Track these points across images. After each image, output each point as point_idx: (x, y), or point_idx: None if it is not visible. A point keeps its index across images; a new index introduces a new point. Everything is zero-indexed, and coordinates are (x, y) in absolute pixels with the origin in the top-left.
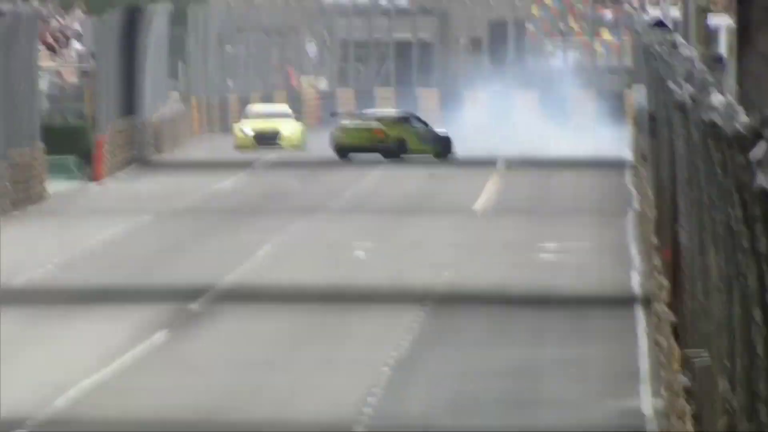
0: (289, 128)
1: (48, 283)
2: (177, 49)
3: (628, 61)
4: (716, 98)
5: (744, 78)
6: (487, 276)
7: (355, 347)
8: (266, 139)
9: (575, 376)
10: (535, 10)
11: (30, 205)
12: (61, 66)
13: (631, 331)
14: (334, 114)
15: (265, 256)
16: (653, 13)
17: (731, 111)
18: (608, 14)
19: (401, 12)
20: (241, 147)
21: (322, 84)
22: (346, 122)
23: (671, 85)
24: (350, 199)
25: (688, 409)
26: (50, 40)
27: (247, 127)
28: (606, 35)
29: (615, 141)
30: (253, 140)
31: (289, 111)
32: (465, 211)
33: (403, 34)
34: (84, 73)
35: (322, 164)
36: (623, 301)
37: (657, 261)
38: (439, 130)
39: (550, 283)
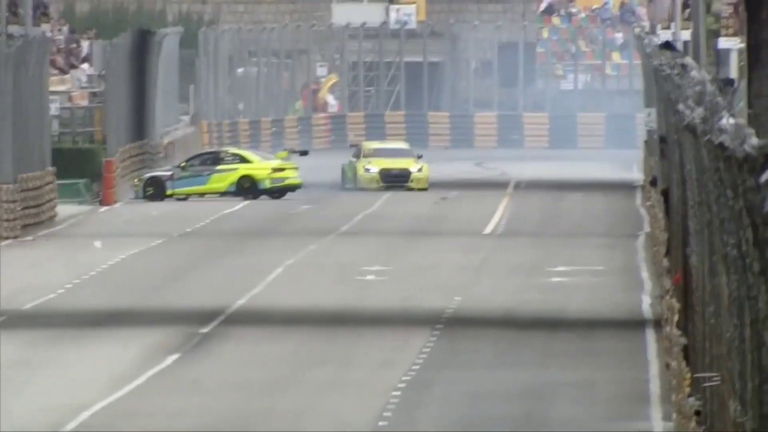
0: (417, 168)
1: (59, 307)
2: (187, 72)
3: (638, 83)
4: (727, 121)
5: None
6: (498, 298)
7: (365, 370)
8: (394, 179)
9: (585, 399)
10: (545, 33)
11: (41, 228)
12: (72, 89)
13: (642, 354)
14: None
15: (275, 280)
16: (664, 35)
17: (741, 134)
18: (619, 37)
19: (411, 35)
20: (365, 186)
21: (332, 107)
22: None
23: (682, 107)
24: (361, 221)
25: None
26: (61, 63)
27: (372, 166)
28: (616, 58)
29: (625, 163)
30: (378, 179)
31: (408, 148)
32: (476, 233)
33: (414, 57)
34: (94, 97)
35: (333, 187)
36: (634, 324)
37: (668, 283)
38: None
39: (561, 305)
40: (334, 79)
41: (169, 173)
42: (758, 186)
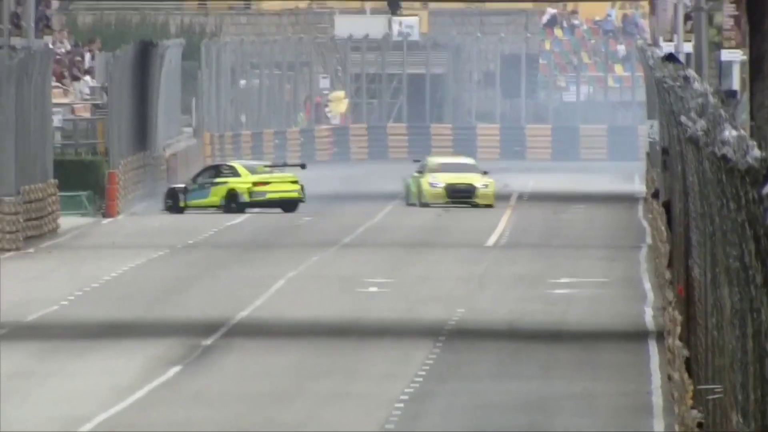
0: (483, 184)
1: (61, 319)
2: (190, 84)
3: (641, 95)
4: (729, 133)
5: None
6: (500, 310)
7: (368, 381)
8: (459, 194)
9: (587, 411)
10: (547, 45)
11: (43, 240)
12: (75, 102)
13: (644, 366)
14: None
15: (278, 291)
16: (666, 47)
17: (744, 145)
18: (621, 49)
19: (414, 47)
20: (430, 201)
21: (335, 119)
22: None
23: (684, 119)
24: (364, 233)
25: None
26: (64, 74)
27: (437, 180)
28: (619, 70)
29: (628, 175)
30: (444, 194)
31: (474, 163)
32: (478, 245)
33: (416, 69)
34: (97, 109)
35: (335, 199)
36: (636, 336)
37: (670, 295)
38: None
39: (563, 317)
40: (343, 100)
41: (183, 186)
42: (760, 198)
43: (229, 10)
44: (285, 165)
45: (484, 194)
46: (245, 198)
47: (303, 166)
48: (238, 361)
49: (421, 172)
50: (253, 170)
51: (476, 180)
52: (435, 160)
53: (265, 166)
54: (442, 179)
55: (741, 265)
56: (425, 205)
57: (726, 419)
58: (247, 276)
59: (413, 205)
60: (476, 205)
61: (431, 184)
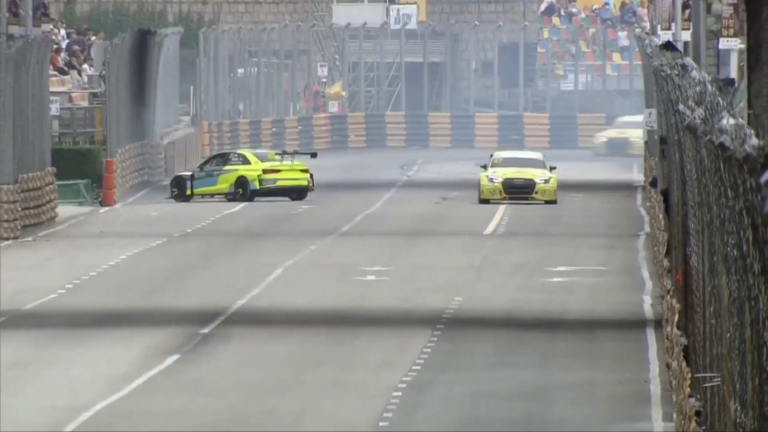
0: (543, 179)
1: (59, 307)
2: (188, 72)
3: (639, 84)
4: (727, 121)
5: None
6: (498, 299)
7: (366, 370)
8: (517, 189)
9: (585, 399)
10: (545, 33)
11: (41, 229)
12: (73, 89)
13: (642, 354)
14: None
15: (276, 280)
16: (664, 36)
17: (742, 134)
18: (619, 37)
19: (412, 35)
20: (487, 197)
21: (333, 107)
22: None
23: (682, 108)
24: (362, 222)
25: None
26: (61, 64)
27: (496, 175)
28: (617, 58)
29: (626, 164)
30: (501, 190)
31: (542, 158)
32: (476, 234)
33: (414, 58)
34: (94, 97)
35: (333, 188)
36: (634, 324)
37: (668, 284)
38: None
39: (561, 306)
40: (340, 90)
41: (190, 173)
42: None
43: None
44: (296, 153)
45: (543, 189)
46: (255, 185)
47: (314, 155)
48: (235, 349)
49: (485, 166)
50: (263, 158)
51: (537, 175)
52: (500, 154)
53: (276, 154)
54: (501, 174)
55: (739, 253)
56: (485, 201)
57: (724, 407)
58: (245, 264)
59: (484, 200)
60: (535, 201)
61: (490, 179)
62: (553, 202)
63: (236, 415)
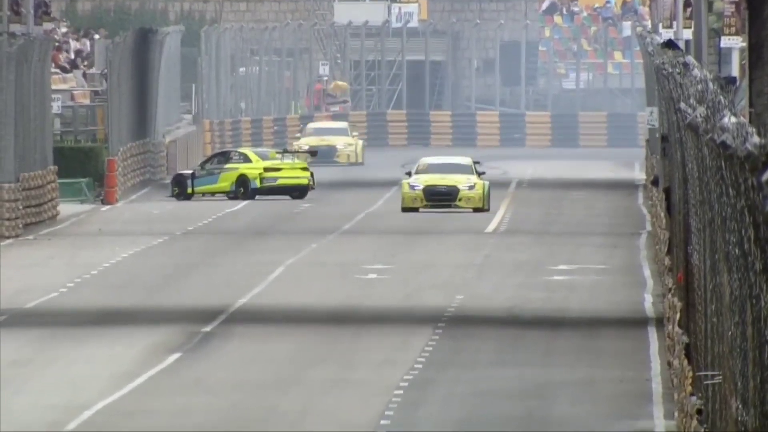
0: (468, 185)
1: (60, 305)
2: (189, 71)
3: (640, 82)
4: (728, 119)
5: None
6: (499, 297)
7: (367, 369)
8: (439, 196)
9: (587, 397)
10: (547, 31)
11: (43, 227)
12: (76, 87)
13: (644, 353)
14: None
15: (277, 278)
16: (666, 34)
17: (743, 132)
18: (623, 27)
19: (413, 33)
20: (408, 205)
21: (335, 107)
22: None
23: (683, 106)
24: (363, 220)
25: (701, 430)
26: (63, 62)
27: (418, 182)
28: (618, 56)
29: (627, 162)
30: (422, 197)
31: (470, 163)
32: (478, 232)
33: (416, 56)
34: (96, 95)
35: (334, 186)
36: (636, 323)
37: (670, 282)
38: None
39: (563, 304)
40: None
41: (191, 172)
42: (759, 185)
43: None
44: (297, 152)
45: (468, 196)
46: (256, 184)
47: (314, 153)
48: (237, 348)
49: (410, 173)
50: (264, 156)
51: (460, 181)
52: (426, 160)
53: (277, 153)
54: (423, 181)
55: (740, 251)
56: (407, 209)
57: (725, 406)
58: (247, 263)
59: (405, 210)
60: (459, 209)
61: (411, 187)
62: (482, 209)
63: (238, 413)
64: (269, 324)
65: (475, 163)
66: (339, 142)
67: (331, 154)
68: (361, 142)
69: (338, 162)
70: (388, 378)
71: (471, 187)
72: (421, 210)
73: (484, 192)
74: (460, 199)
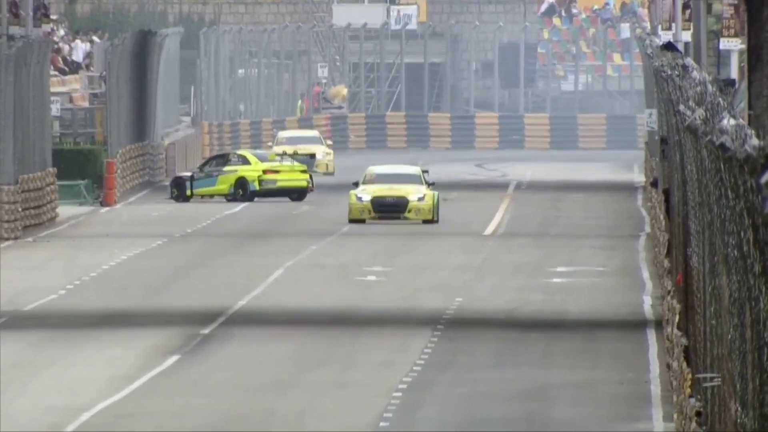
0: (418, 196)
1: (60, 308)
2: (188, 73)
3: (639, 84)
4: (727, 122)
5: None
6: (498, 299)
7: (366, 370)
8: (387, 208)
9: (586, 400)
10: (546, 33)
11: (42, 229)
12: (76, 90)
13: (643, 355)
14: None
15: (276, 280)
16: (665, 36)
17: (742, 134)
18: (622, 29)
19: (412, 35)
20: (356, 217)
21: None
22: None
23: (683, 108)
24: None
25: None
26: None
27: (365, 193)
28: (617, 59)
29: (626, 164)
30: (370, 209)
31: (419, 173)
32: (477, 234)
33: (414, 58)
34: (95, 98)
35: (333, 188)
36: (635, 325)
37: (669, 284)
38: None
39: (562, 306)
40: (343, 93)
41: (189, 174)
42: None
43: None
44: (296, 154)
45: (418, 208)
46: (255, 186)
47: (313, 156)
48: (236, 350)
49: (357, 183)
50: (263, 158)
51: (410, 192)
52: (373, 169)
53: (276, 155)
54: (371, 192)
55: (739, 253)
56: (354, 221)
57: (724, 408)
58: (246, 265)
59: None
60: (408, 221)
61: (358, 198)
62: (432, 221)
63: (237, 415)
64: (268, 326)
65: (424, 172)
66: (317, 151)
67: (309, 164)
68: (332, 152)
69: (317, 171)
70: (387, 380)
71: (421, 199)
72: (368, 222)
73: (434, 203)
74: (409, 211)
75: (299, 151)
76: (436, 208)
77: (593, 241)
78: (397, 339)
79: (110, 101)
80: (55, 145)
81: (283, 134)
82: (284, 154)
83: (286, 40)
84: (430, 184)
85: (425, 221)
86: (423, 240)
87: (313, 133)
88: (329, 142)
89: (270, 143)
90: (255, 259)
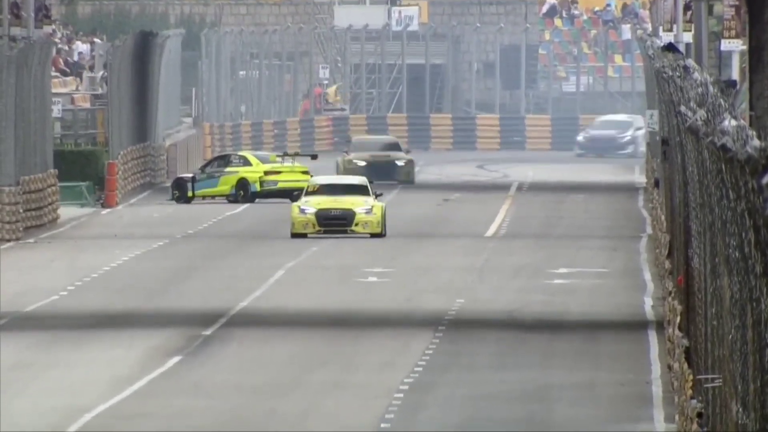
0: (365, 209)
1: (61, 309)
2: (190, 74)
3: (640, 85)
4: (729, 123)
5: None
6: (500, 300)
7: (367, 372)
8: (332, 221)
9: (587, 401)
10: (547, 35)
11: (43, 230)
12: (77, 91)
13: (644, 356)
14: None
15: (277, 282)
16: (666, 37)
17: (743, 135)
18: (623, 30)
19: (413, 37)
20: (299, 231)
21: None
22: None
23: (684, 109)
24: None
25: None
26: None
27: (309, 206)
28: (619, 60)
29: (627, 165)
30: (314, 222)
31: (365, 184)
32: (478, 235)
33: (416, 59)
34: (96, 99)
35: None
36: (636, 326)
37: (670, 285)
38: None
39: (563, 307)
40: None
41: (191, 175)
42: (760, 188)
43: (228, 1)
44: (297, 155)
45: (365, 221)
46: (256, 187)
47: (314, 157)
48: (237, 351)
49: (298, 195)
50: (264, 160)
51: (357, 204)
52: (317, 180)
53: (277, 156)
54: (314, 204)
55: (741, 255)
56: (297, 235)
57: (726, 409)
58: (247, 266)
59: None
60: (354, 233)
61: (301, 210)
62: (380, 235)
63: (238, 416)
64: (269, 327)
65: (370, 182)
66: (397, 158)
67: (391, 171)
68: (413, 159)
69: (397, 181)
70: (388, 381)
71: (368, 211)
72: (310, 236)
73: (382, 215)
74: (356, 224)
75: (376, 158)
76: (383, 220)
77: (594, 242)
78: (399, 340)
79: (111, 102)
80: (57, 147)
81: (359, 139)
82: (285, 154)
83: (288, 41)
84: (377, 195)
85: (373, 235)
86: (424, 241)
87: (391, 139)
88: (407, 148)
89: (346, 150)
90: (256, 261)
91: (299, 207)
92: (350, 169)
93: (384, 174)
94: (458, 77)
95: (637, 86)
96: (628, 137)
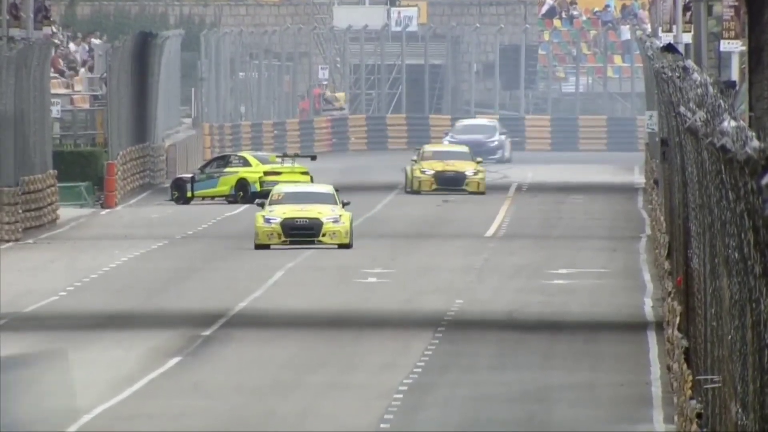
0: (332, 218)
1: (61, 309)
2: (189, 75)
3: (640, 86)
4: (728, 123)
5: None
6: (499, 301)
7: (367, 372)
8: (448, 181)
9: (587, 401)
10: (546, 35)
11: (42, 231)
12: (77, 92)
13: (644, 356)
14: None
15: (277, 282)
16: (665, 38)
17: (743, 136)
18: (622, 30)
19: (413, 37)
20: (263, 242)
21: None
22: None
23: (683, 110)
24: (363, 224)
25: None
26: (62, 66)
27: (274, 215)
28: (618, 60)
29: (627, 166)
30: (279, 232)
31: (332, 192)
32: (478, 236)
33: (415, 60)
34: (96, 99)
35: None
36: (635, 327)
37: (669, 286)
38: None
39: (563, 308)
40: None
41: (190, 176)
42: (759, 189)
43: (228, 1)
44: (296, 155)
45: (333, 230)
46: (256, 188)
47: (314, 158)
48: (237, 352)
49: (416, 160)
50: (264, 160)
51: (324, 213)
52: (281, 188)
53: (277, 156)
54: (279, 213)
55: (740, 255)
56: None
57: (725, 410)
58: (246, 267)
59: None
60: (467, 192)
61: (266, 220)
62: (347, 246)
63: (237, 417)
64: (269, 328)
65: (336, 191)
66: (467, 168)
67: (459, 182)
68: (484, 170)
69: (466, 190)
70: (387, 382)
71: (336, 221)
72: (273, 247)
73: (350, 225)
74: (324, 234)
75: (447, 168)
76: (351, 231)
77: (594, 242)
78: (398, 341)
79: (111, 103)
80: (56, 147)
81: (429, 148)
82: (284, 155)
83: (287, 41)
84: (345, 204)
85: (341, 246)
86: (424, 242)
87: (463, 148)
88: (479, 159)
89: (414, 158)
90: (256, 261)
91: (263, 216)
92: (419, 179)
93: (453, 185)
94: (458, 78)
95: (636, 87)
96: (496, 142)
